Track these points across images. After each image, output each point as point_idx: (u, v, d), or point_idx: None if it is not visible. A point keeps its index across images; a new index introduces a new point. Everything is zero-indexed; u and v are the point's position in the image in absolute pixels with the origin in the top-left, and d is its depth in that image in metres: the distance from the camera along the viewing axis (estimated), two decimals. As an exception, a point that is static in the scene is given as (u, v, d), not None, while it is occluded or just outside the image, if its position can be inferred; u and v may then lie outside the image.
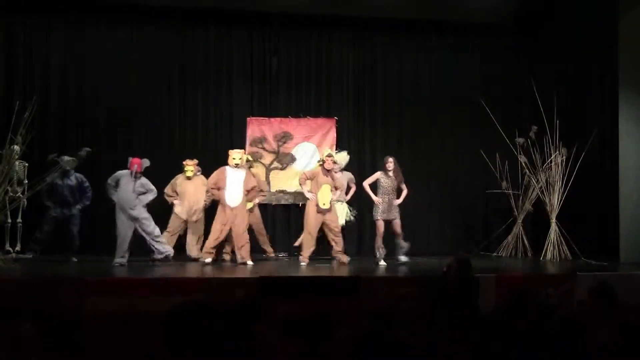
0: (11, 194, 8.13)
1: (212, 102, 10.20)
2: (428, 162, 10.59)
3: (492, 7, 9.91)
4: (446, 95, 10.61)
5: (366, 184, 8.73)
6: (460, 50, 10.73)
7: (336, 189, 8.63)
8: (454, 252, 8.73)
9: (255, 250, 8.85)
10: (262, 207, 9.92)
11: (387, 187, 8.59)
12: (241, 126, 10.11)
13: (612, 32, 9.21)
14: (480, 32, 10.59)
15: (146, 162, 8.20)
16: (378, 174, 8.69)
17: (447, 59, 10.71)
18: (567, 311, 3.63)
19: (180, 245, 8.96)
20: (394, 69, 10.65)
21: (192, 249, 8.90)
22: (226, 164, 8.57)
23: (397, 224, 8.62)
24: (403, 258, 8.61)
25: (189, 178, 8.91)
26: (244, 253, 8.30)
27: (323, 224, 8.51)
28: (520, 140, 9.66)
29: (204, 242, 8.70)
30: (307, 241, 8.50)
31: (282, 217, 10.16)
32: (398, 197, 8.71)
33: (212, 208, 8.81)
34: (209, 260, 8.28)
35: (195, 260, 8.71)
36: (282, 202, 10.12)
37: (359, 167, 9.99)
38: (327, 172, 8.58)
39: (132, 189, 8.05)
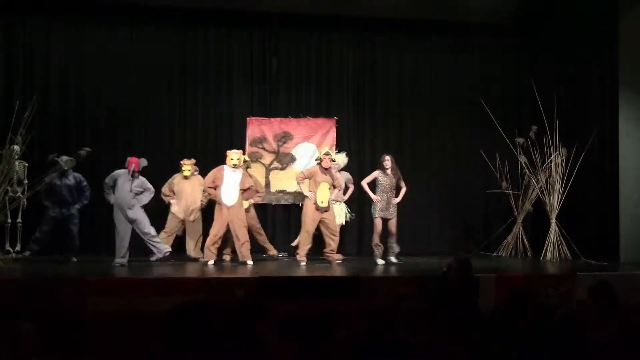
0: (11, 194, 8.14)
1: (212, 102, 10.19)
2: (428, 162, 10.59)
3: (492, 7, 9.91)
4: (446, 95, 10.60)
5: (364, 182, 8.74)
6: (460, 50, 10.73)
7: (334, 187, 8.64)
8: (454, 252, 8.74)
9: (255, 250, 8.85)
10: (262, 207, 9.93)
11: (385, 185, 8.59)
12: (241, 126, 10.10)
13: (612, 32, 9.21)
14: (480, 32, 10.59)
15: (144, 162, 8.23)
16: (376, 173, 8.70)
17: (447, 59, 10.71)
18: (567, 311, 3.63)
19: (179, 245, 8.97)
20: (394, 69, 10.65)
21: (191, 249, 8.90)
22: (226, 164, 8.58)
23: (393, 224, 8.63)
24: (393, 259, 8.61)
25: (186, 177, 8.91)
26: (244, 251, 8.31)
27: (320, 222, 8.52)
28: (520, 140, 9.66)
29: (203, 242, 8.71)
30: (304, 239, 8.52)
31: (282, 217, 10.15)
32: (397, 196, 8.71)
33: (209, 208, 8.80)
34: (211, 262, 8.27)
35: (195, 260, 8.72)
36: (282, 202, 10.11)
37: (359, 167, 9.99)
38: (325, 170, 8.59)
39: (129, 189, 8.08)
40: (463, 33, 10.59)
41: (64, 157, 8.50)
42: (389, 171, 8.64)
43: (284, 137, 10.15)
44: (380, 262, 8.46)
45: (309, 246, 8.54)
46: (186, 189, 8.87)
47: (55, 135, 9.61)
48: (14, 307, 3.79)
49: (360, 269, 8.20)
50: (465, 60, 10.73)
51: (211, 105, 10.19)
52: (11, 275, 7.14)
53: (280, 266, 8.59)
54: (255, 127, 10.13)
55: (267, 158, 10.14)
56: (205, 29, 10.26)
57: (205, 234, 8.66)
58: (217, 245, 8.37)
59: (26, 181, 8.54)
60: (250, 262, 8.28)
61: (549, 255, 9.23)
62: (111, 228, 8.28)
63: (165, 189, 8.90)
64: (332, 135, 10.19)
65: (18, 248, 8.53)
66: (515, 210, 9.96)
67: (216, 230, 8.32)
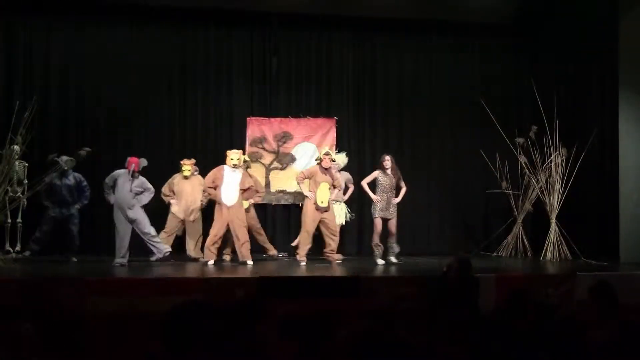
0: (11, 194, 8.14)
1: (212, 102, 10.19)
2: (428, 162, 10.60)
3: (492, 7, 9.91)
4: (446, 95, 10.60)
5: (364, 182, 8.74)
6: (460, 50, 10.73)
7: (334, 187, 8.63)
8: (454, 252, 8.75)
9: (255, 250, 8.85)
10: (262, 207, 9.93)
11: (385, 185, 8.59)
12: (241, 126, 10.11)
13: (612, 32, 9.21)
14: (480, 32, 10.59)
15: (144, 162, 8.24)
16: (376, 173, 8.69)
17: (447, 59, 10.71)
18: (567, 311, 3.63)
19: (179, 245, 8.96)
20: (394, 69, 10.65)
21: (191, 249, 8.90)
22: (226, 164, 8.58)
23: (393, 224, 8.62)
24: (393, 259, 8.61)
25: (186, 177, 8.91)
26: (244, 251, 8.31)
27: (320, 222, 8.51)
28: (520, 140, 9.66)
29: (203, 242, 8.71)
30: (304, 239, 8.52)
31: (282, 217, 10.15)
32: (397, 196, 8.70)
33: (209, 208, 8.80)
34: (211, 262, 8.26)
35: (195, 260, 8.72)
36: (282, 202, 10.11)
37: (359, 167, 9.99)
38: (325, 170, 8.58)
39: (129, 189, 8.09)
40: (463, 33, 10.60)
41: (64, 157, 8.51)
42: (389, 171, 8.64)
43: (284, 137, 10.16)
44: (380, 262, 8.47)
45: (309, 246, 8.54)
46: (186, 189, 8.88)
47: (55, 135, 9.61)
48: (14, 307, 3.79)
49: (360, 269, 8.20)
50: (465, 60, 10.73)
51: (211, 105, 10.19)
52: (11, 275, 7.14)
53: (280, 266, 8.59)
54: (255, 127, 10.13)
55: (267, 158, 10.15)
56: (205, 29, 10.26)
57: (205, 234, 8.67)
58: (217, 245, 8.38)
59: (26, 181, 8.54)
60: (250, 262, 8.28)
61: (549, 255, 9.23)
62: (111, 228, 8.28)
63: (165, 189, 8.91)
64: (332, 135, 10.19)
65: (18, 248, 8.53)
66: (515, 210, 9.96)
67: (216, 230, 8.32)
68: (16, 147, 7.93)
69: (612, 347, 3.08)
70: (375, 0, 9.78)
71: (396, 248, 8.67)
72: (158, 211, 8.82)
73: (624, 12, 9.12)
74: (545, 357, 3.02)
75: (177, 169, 9.06)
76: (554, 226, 9.34)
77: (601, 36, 9.45)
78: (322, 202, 8.46)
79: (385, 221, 8.58)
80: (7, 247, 8.44)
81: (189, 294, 6.03)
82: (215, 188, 8.40)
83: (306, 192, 8.56)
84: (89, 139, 9.44)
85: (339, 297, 6.33)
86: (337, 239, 8.70)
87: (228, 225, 8.34)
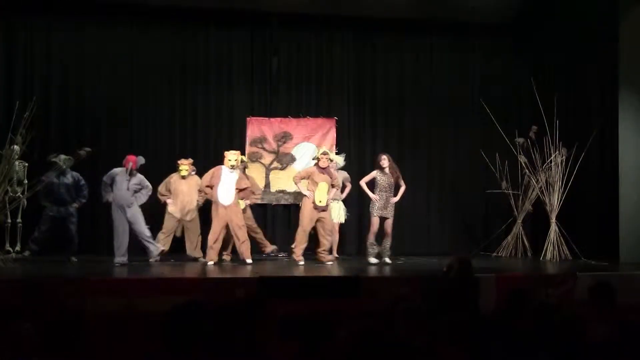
0: (11, 194, 8.14)
1: (212, 102, 10.19)
2: (428, 162, 10.60)
3: (492, 7, 9.91)
4: (446, 95, 10.60)
5: (363, 182, 8.72)
6: (460, 50, 10.73)
7: (333, 186, 8.61)
8: (454, 252, 8.74)
9: (255, 250, 8.84)
10: (262, 207, 9.94)
11: (383, 184, 8.57)
12: (241, 126, 10.11)
13: (612, 32, 9.21)
14: (480, 32, 10.60)
15: (141, 160, 8.26)
16: (374, 173, 8.67)
17: (447, 59, 10.72)
18: (567, 311, 3.62)
19: (179, 245, 8.95)
20: (394, 69, 10.65)
21: (190, 248, 8.88)
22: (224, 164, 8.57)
23: (389, 224, 8.60)
24: (388, 260, 8.58)
25: (183, 177, 8.89)
26: (244, 249, 8.30)
27: (317, 220, 8.47)
28: (520, 140, 9.66)
29: (202, 241, 8.70)
30: (300, 238, 8.49)
31: (282, 217, 10.16)
32: (395, 195, 8.69)
33: (207, 208, 8.79)
34: (211, 262, 8.25)
35: (195, 259, 8.72)
36: (282, 202, 10.12)
37: (359, 167, 9.98)
38: (323, 169, 8.55)
39: (127, 187, 8.10)
40: (463, 33, 10.60)
41: (62, 156, 8.49)
42: (386, 170, 8.61)
43: (284, 137, 10.16)
44: (374, 261, 8.44)
45: (304, 245, 8.53)
46: (183, 189, 8.85)
47: (55, 135, 9.61)
48: (14, 307, 3.79)
49: (360, 269, 8.19)
50: (465, 60, 10.73)
51: (211, 105, 10.19)
52: (11, 275, 7.14)
53: (280, 266, 8.58)
54: (255, 127, 10.13)
55: (267, 158, 10.15)
56: (206, 29, 10.26)
57: (204, 233, 8.65)
58: (218, 245, 8.35)
59: (26, 181, 8.54)
60: (249, 260, 8.27)
61: (549, 255, 9.22)
62: (111, 228, 8.28)
63: (161, 189, 8.88)
64: (332, 135, 10.19)
65: (18, 248, 8.53)
66: (515, 210, 9.96)
67: (215, 230, 8.29)
68: (16, 147, 7.92)
69: (612, 347, 3.08)
70: (375, 0, 9.77)
71: (388, 249, 8.61)
72: (156, 210, 8.81)
73: (624, 12, 9.11)
74: (545, 357, 3.02)
75: (177, 168, 9.05)
76: (554, 226, 9.34)
77: (601, 36, 9.45)
78: (320, 201, 8.43)
79: (382, 220, 8.57)
80: (7, 247, 8.43)
81: (189, 294, 6.02)
82: (211, 187, 8.39)
83: (304, 191, 8.54)
84: (89, 139, 9.44)
85: (339, 297, 6.33)
86: (331, 239, 8.65)
87: (227, 225, 8.32)
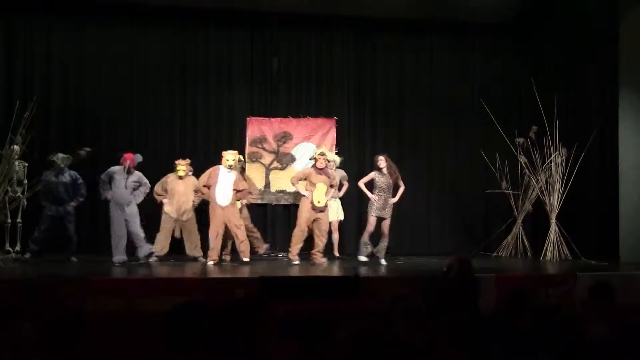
0: (11, 194, 8.14)
1: (212, 102, 10.19)
2: (428, 162, 10.60)
3: (492, 7, 9.91)
4: (446, 95, 10.60)
5: (361, 183, 8.70)
6: (460, 50, 10.73)
7: (332, 186, 8.59)
8: (454, 252, 8.73)
9: (254, 251, 8.84)
10: (262, 207, 9.94)
11: (382, 185, 8.54)
12: (241, 126, 10.11)
13: (612, 32, 9.21)
14: (480, 32, 10.60)
15: (139, 158, 8.28)
16: (373, 174, 8.64)
17: (447, 59, 10.72)
18: (567, 311, 3.62)
19: (179, 245, 8.94)
20: (394, 69, 10.65)
21: (189, 248, 8.87)
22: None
23: (387, 225, 8.58)
24: (383, 261, 8.55)
25: (180, 178, 8.86)
26: (244, 248, 8.29)
27: (314, 220, 8.47)
28: (520, 140, 9.66)
29: (201, 240, 8.68)
30: (296, 238, 8.47)
31: (282, 217, 10.15)
32: (394, 196, 8.68)
33: (201, 208, 8.77)
34: (211, 262, 8.24)
35: (195, 259, 8.72)
36: (282, 202, 10.11)
37: (359, 167, 9.99)
38: (320, 170, 8.52)
39: (125, 185, 8.12)
40: (463, 33, 10.60)
41: (60, 155, 8.48)
42: (384, 170, 8.59)
43: (284, 137, 10.16)
44: (363, 259, 8.42)
45: (300, 245, 8.52)
46: (179, 189, 8.80)
47: (55, 135, 9.61)
48: (14, 307, 3.79)
49: (360, 269, 8.19)
50: (465, 60, 10.73)
51: (211, 105, 10.19)
52: (11, 275, 7.14)
53: (280, 266, 8.58)
54: (255, 127, 10.13)
55: (267, 158, 10.15)
56: (206, 29, 10.26)
57: (202, 233, 8.64)
58: (218, 245, 8.35)
59: (26, 181, 8.53)
60: (246, 259, 8.25)
61: (549, 255, 9.23)
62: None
63: (158, 188, 8.83)
64: (332, 135, 10.19)
65: (18, 248, 8.52)
66: (515, 210, 9.96)
67: (215, 231, 8.28)
68: (16, 147, 7.93)
69: (612, 347, 3.08)
70: (375, 0, 9.77)
71: (383, 250, 8.60)
72: (153, 211, 8.80)
73: (624, 12, 9.12)
74: (545, 357, 3.02)
75: (175, 169, 9.02)
76: (554, 226, 9.34)
77: (601, 36, 9.45)
78: (318, 202, 8.40)
79: (380, 220, 8.56)
80: (7, 247, 8.43)
81: (189, 294, 6.02)
82: (208, 188, 8.38)
83: (303, 192, 8.50)
84: (89, 139, 9.44)
85: (339, 297, 6.33)
86: (325, 240, 8.63)
87: (225, 225, 8.31)
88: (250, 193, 8.82)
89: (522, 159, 9.64)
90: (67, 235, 8.51)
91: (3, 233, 8.41)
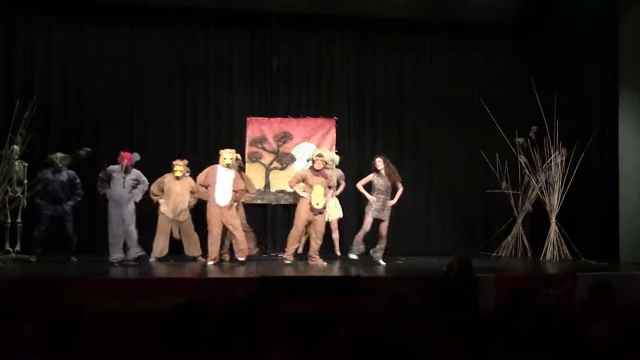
0: (11, 194, 8.14)
1: (212, 102, 10.19)
2: (428, 162, 10.60)
3: (492, 7, 9.91)
4: (446, 95, 10.61)
5: (359, 185, 8.64)
6: (460, 50, 10.73)
7: (330, 187, 8.57)
8: (454, 252, 8.73)
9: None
10: (262, 207, 9.94)
11: (380, 187, 8.50)
12: (241, 126, 10.11)
13: (612, 32, 9.21)
14: (480, 32, 10.60)
15: (136, 157, 8.28)
16: (371, 176, 8.57)
17: (447, 59, 10.72)
18: (567, 311, 3.62)
19: (178, 245, 8.93)
20: (394, 69, 10.65)
21: (188, 247, 8.86)
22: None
23: (385, 227, 8.55)
24: (381, 262, 8.53)
25: (177, 178, 8.83)
26: (241, 248, 8.29)
27: (310, 222, 8.46)
28: (520, 140, 9.66)
29: (200, 240, 8.68)
30: (293, 238, 8.46)
31: (282, 217, 10.15)
32: (392, 198, 8.64)
33: (197, 208, 8.76)
34: (211, 262, 8.23)
35: (194, 258, 8.72)
36: (282, 202, 10.11)
37: (359, 168, 9.98)
38: (317, 172, 8.50)
39: (123, 184, 8.12)
40: (463, 33, 10.60)
41: (59, 154, 8.48)
42: (382, 172, 8.55)
43: (284, 137, 10.16)
44: (353, 257, 8.40)
45: (296, 245, 8.53)
46: (176, 190, 8.77)
47: (55, 135, 9.61)
48: (14, 307, 3.79)
49: (360, 269, 8.19)
50: (465, 60, 10.73)
51: (211, 105, 10.19)
52: (11, 275, 7.14)
53: (279, 266, 8.57)
54: (255, 127, 10.13)
55: (267, 158, 10.14)
56: (206, 29, 10.26)
57: (201, 232, 8.62)
58: (218, 244, 8.34)
59: (26, 181, 8.53)
60: (241, 258, 8.25)
61: (549, 255, 9.23)
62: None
63: (154, 188, 8.80)
64: (332, 135, 10.19)
65: (18, 248, 8.52)
66: (515, 210, 9.96)
67: (213, 231, 8.26)
68: (16, 147, 7.93)
69: (612, 347, 3.08)
70: (375, 0, 9.77)
71: (380, 251, 8.59)
72: (150, 211, 8.79)
73: (624, 12, 9.12)
74: (545, 357, 3.02)
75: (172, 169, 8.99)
76: (553, 226, 9.34)
77: (601, 36, 9.45)
78: (317, 203, 8.37)
79: (377, 222, 8.54)
80: (7, 247, 8.43)
81: (189, 294, 6.02)
82: (206, 187, 8.36)
83: (301, 193, 8.47)
84: (89, 139, 9.44)
85: (339, 297, 6.33)
86: (321, 241, 8.59)
87: (224, 225, 8.30)
88: (247, 192, 8.79)
89: (522, 159, 9.64)
90: (67, 235, 8.50)
91: (3, 233, 8.40)
